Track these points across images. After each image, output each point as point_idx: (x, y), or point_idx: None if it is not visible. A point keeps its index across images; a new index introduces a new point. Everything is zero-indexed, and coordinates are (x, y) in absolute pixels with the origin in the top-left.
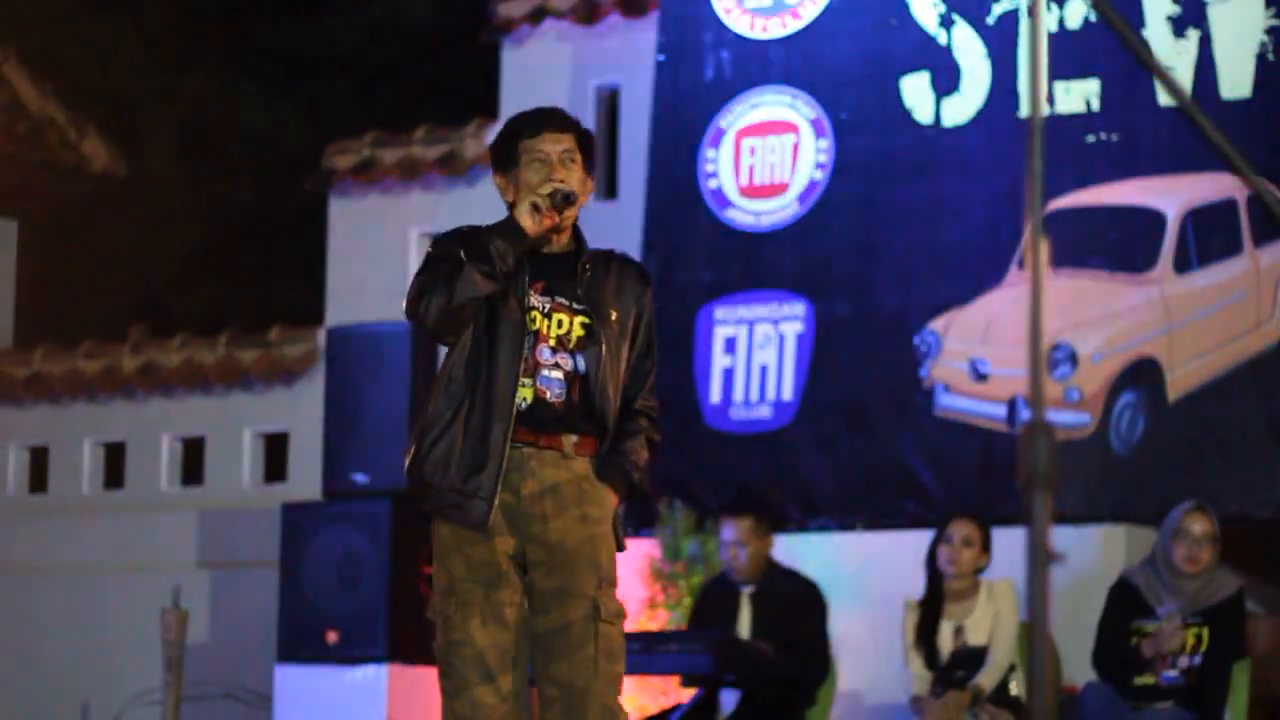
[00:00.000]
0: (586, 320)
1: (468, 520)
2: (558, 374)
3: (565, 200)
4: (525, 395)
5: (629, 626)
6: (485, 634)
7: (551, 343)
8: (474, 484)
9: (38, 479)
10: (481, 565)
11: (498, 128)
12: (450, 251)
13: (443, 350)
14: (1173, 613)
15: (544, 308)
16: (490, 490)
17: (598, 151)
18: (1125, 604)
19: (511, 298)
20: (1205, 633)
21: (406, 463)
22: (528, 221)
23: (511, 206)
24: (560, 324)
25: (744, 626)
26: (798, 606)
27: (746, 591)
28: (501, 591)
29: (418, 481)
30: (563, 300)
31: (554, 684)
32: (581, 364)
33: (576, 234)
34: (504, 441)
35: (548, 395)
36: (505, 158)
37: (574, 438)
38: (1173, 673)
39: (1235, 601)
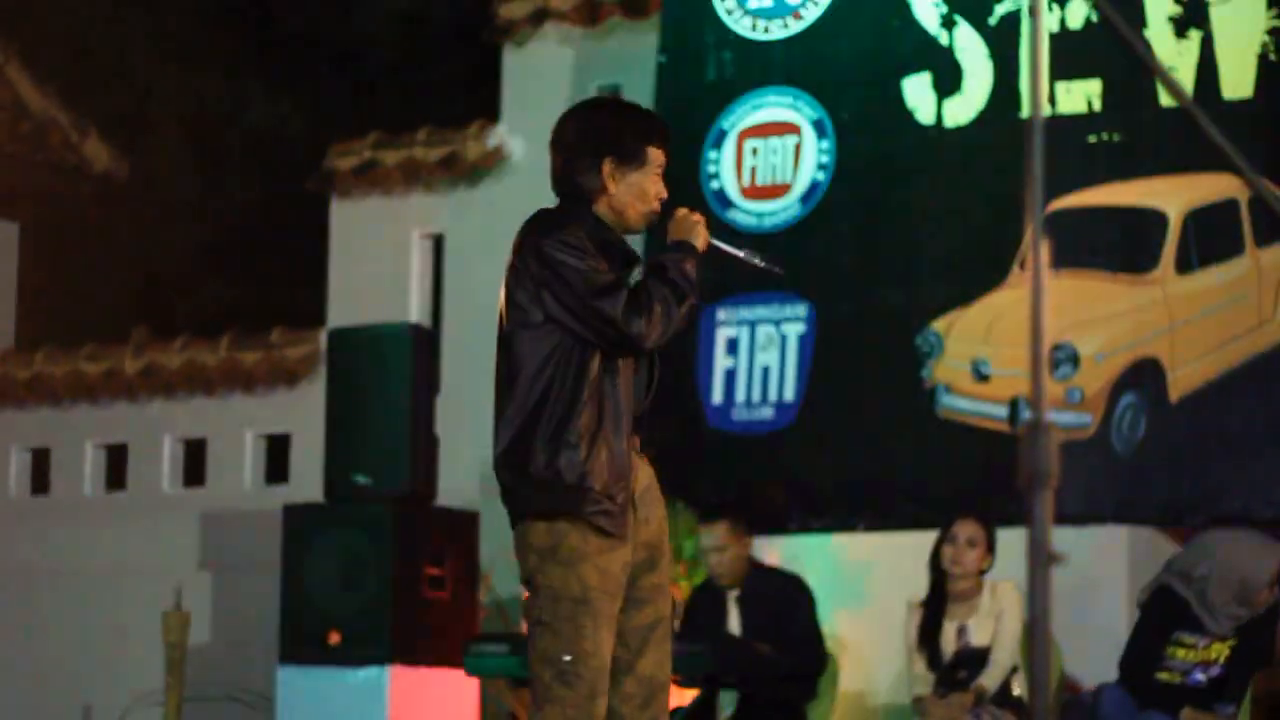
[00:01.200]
0: None
1: (616, 530)
2: (641, 376)
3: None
4: (637, 399)
5: None
6: (609, 646)
7: None
8: (622, 495)
9: (39, 480)
10: (611, 576)
11: (499, 129)
12: (604, 272)
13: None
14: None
15: None
16: (629, 501)
17: None
18: (1169, 613)
19: None
20: (1236, 642)
21: (560, 463)
22: (699, 243)
23: (595, 194)
24: None
25: (734, 629)
26: (785, 602)
27: (733, 595)
28: (618, 603)
29: (572, 485)
30: None
31: (636, 678)
32: (647, 365)
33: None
34: (631, 451)
35: (644, 399)
36: (630, 152)
37: (646, 436)
38: (1199, 677)
39: (1271, 615)
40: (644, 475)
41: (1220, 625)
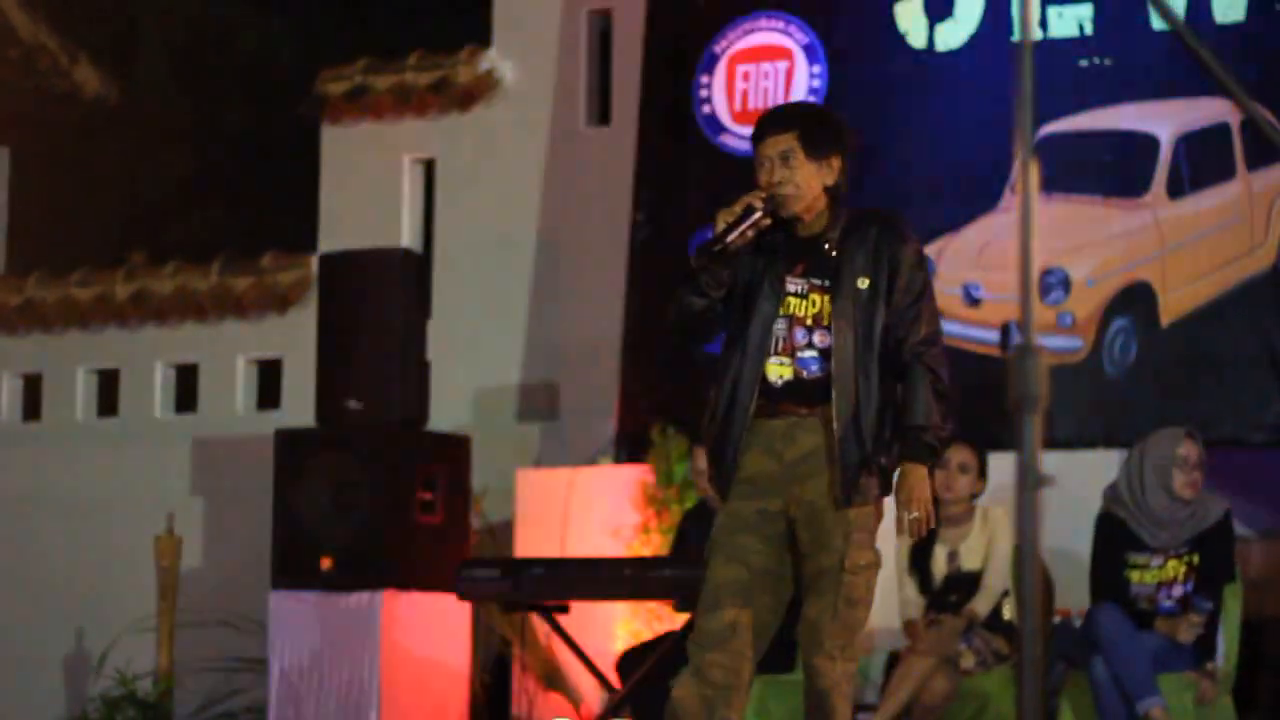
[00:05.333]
0: (831, 297)
1: (722, 485)
2: (812, 353)
3: (767, 209)
4: (784, 374)
5: (621, 550)
6: (725, 570)
7: (808, 323)
8: (727, 455)
9: (31, 407)
10: (738, 516)
11: (490, 54)
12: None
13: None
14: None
15: (801, 290)
16: (732, 460)
17: (834, 131)
18: (1113, 537)
19: (765, 285)
20: (1195, 559)
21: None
22: (732, 239)
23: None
24: (814, 304)
25: None
26: None
27: None
28: (745, 537)
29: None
30: (816, 281)
31: (804, 620)
32: (832, 340)
33: (833, 211)
34: (744, 421)
35: (804, 374)
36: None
37: (829, 405)
38: (1169, 602)
39: (1224, 525)
40: (812, 439)
41: (1162, 537)
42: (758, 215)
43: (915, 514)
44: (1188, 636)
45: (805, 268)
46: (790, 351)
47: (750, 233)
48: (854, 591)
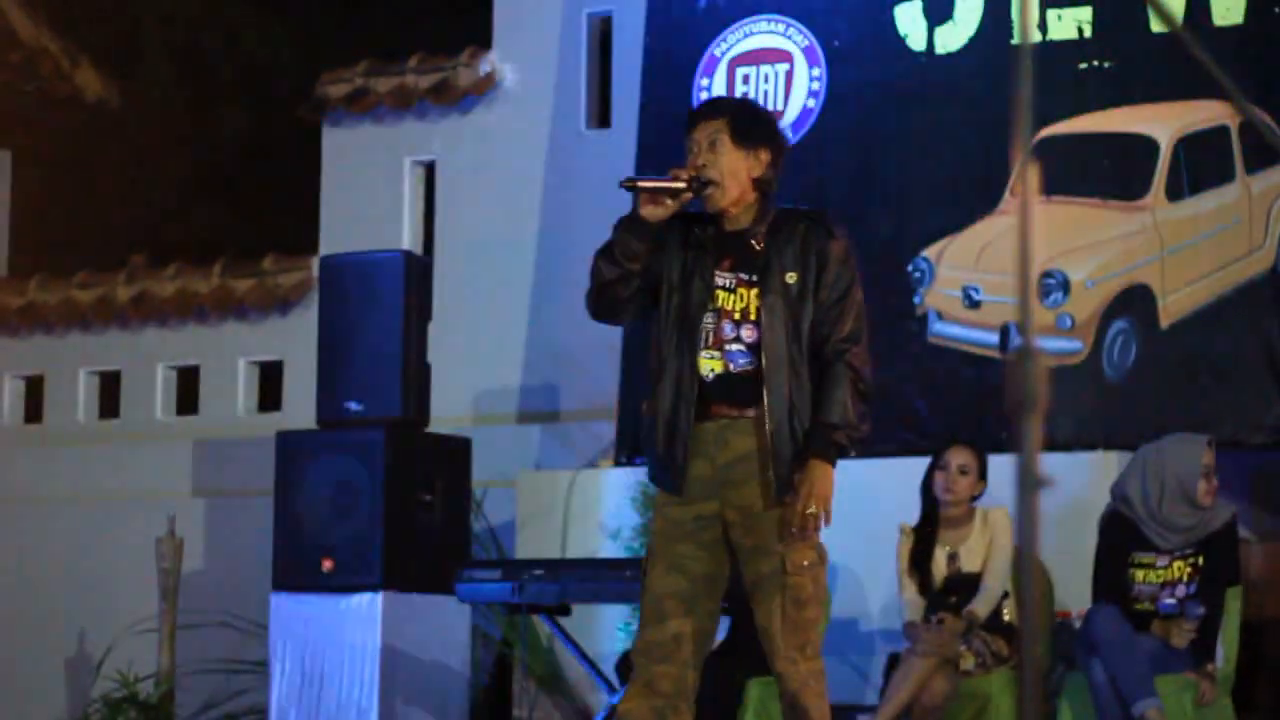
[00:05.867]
0: (759, 291)
1: (667, 485)
2: (739, 346)
3: (693, 188)
4: (714, 368)
5: (621, 553)
6: (666, 581)
7: (736, 317)
8: (670, 454)
9: (33, 408)
10: (675, 523)
11: (491, 56)
12: None
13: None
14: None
15: (729, 284)
16: (681, 460)
17: (764, 123)
18: (1121, 537)
19: (696, 279)
20: (1200, 560)
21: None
22: (646, 210)
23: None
24: (741, 298)
25: None
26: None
27: None
28: (684, 545)
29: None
30: (744, 275)
31: (758, 629)
32: (758, 335)
33: (761, 206)
34: (688, 415)
35: (732, 367)
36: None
37: (761, 406)
38: (1170, 601)
39: (1228, 529)
40: (746, 442)
41: (1173, 540)
42: (680, 186)
43: (812, 509)
44: (1180, 641)
45: (733, 262)
46: (719, 345)
47: (669, 200)
48: (800, 592)
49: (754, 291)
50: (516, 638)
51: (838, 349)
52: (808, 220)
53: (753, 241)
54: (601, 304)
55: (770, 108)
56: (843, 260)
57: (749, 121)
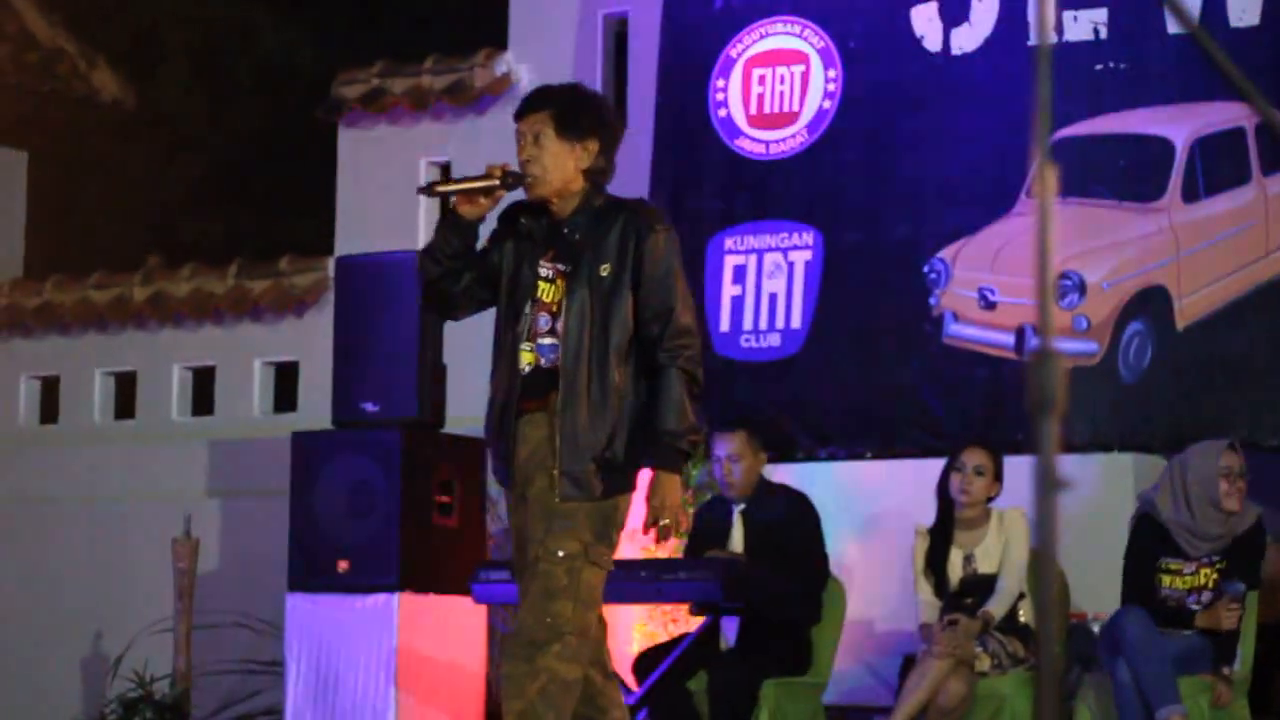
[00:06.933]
0: (567, 283)
1: (500, 477)
2: (550, 339)
3: (505, 184)
4: (529, 360)
5: (636, 554)
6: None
7: (553, 309)
8: (496, 449)
9: (49, 409)
10: (517, 529)
11: (506, 57)
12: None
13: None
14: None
15: (550, 275)
16: (508, 453)
17: (591, 113)
18: (1152, 539)
19: (525, 269)
20: (1225, 565)
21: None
22: (464, 209)
23: None
24: (559, 289)
25: (737, 543)
26: (790, 520)
27: (739, 509)
28: (520, 552)
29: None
30: (561, 266)
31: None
32: (563, 326)
33: (586, 196)
34: (513, 409)
35: (542, 361)
36: None
37: (556, 401)
38: (1197, 607)
39: (1255, 532)
40: (539, 434)
41: (1202, 548)
42: (492, 184)
43: (665, 521)
44: (1230, 622)
45: (555, 253)
46: (534, 338)
47: (482, 199)
48: (552, 582)
49: (565, 283)
50: None
51: (669, 350)
52: (629, 211)
53: (567, 231)
54: (432, 301)
55: (787, 109)
56: (664, 254)
57: (574, 113)
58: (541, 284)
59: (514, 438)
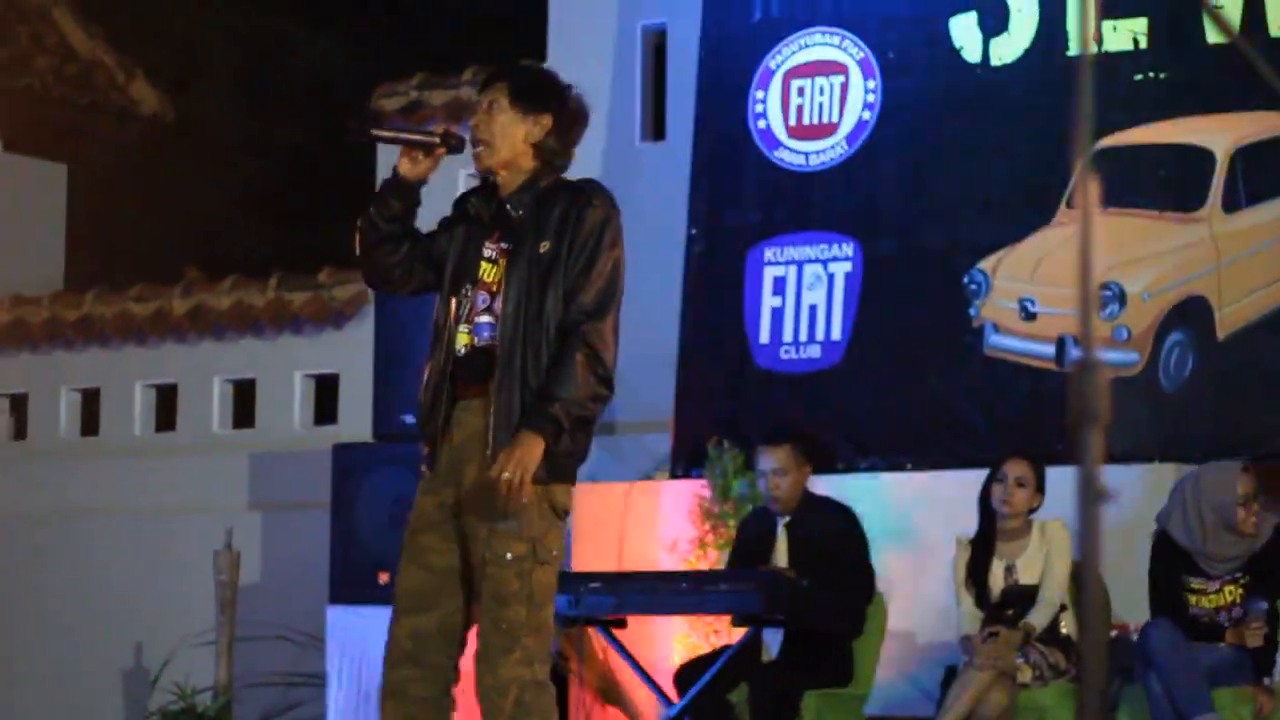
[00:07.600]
0: (509, 261)
1: (428, 465)
2: (487, 318)
3: (446, 144)
4: (465, 341)
5: (678, 565)
6: (405, 576)
7: (494, 289)
8: (425, 433)
9: (89, 421)
10: (421, 513)
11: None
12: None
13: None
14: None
15: (493, 255)
16: (435, 437)
17: (548, 89)
18: (1171, 561)
19: (469, 250)
20: (1249, 580)
21: None
22: (404, 167)
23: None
24: (500, 268)
25: (781, 557)
26: (835, 533)
27: (783, 522)
28: (426, 536)
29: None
30: (505, 245)
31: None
32: (500, 305)
33: (534, 174)
34: (445, 391)
35: (477, 340)
36: None
37: (493, 382)
38: (1227, 624)
39: (1275, 544)
40: (476, 420)
41: (1220, 568)
42: (433, 140)
43: (508, 474)
44: (1256, 640)
45: (501, 233)
46: (471, 318)
47: (421, 156)
48: (502, 587)
49: (504, 262)
50: (573, 650)
51: (577, 320)
52: (574, 189)
53: (513, 208)
54: (367, 268)
55: (826, 120)
56: (597, 229)
57: (530, 85)
58: (484, 264)
59: (448, 421)
